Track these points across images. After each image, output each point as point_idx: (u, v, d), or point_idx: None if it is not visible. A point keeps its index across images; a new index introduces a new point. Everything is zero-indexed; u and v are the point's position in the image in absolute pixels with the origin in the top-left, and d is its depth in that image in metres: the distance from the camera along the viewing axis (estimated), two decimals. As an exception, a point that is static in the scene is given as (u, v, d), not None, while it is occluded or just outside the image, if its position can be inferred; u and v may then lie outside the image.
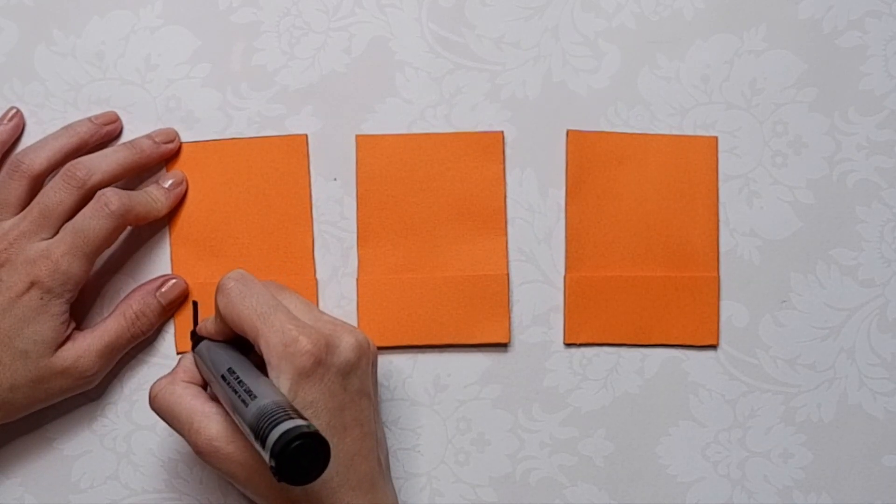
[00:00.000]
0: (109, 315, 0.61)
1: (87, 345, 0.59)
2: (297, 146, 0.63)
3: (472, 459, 0.62)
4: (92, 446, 0.62)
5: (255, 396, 0.51)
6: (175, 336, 0.62)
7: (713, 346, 0.62)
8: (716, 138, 0.63)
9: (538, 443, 0.62)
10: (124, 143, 0.61)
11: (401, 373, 0.62)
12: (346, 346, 0.54)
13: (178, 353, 0.62)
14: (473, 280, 0.62)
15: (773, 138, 0.63)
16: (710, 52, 0.63)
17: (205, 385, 0.58)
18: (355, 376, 0.55)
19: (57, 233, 0.58)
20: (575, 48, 0.63)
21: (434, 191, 0.63)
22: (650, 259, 0.62)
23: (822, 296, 0.63)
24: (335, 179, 0.63)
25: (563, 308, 0.62)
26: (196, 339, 0.59)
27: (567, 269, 0.62)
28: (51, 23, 0.63)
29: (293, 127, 0.63)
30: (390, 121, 0.63)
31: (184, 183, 0.62)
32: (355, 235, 0.63)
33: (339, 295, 0.63)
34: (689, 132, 0.63)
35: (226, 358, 0.56)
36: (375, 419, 0.56)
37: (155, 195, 0.61)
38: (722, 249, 0.63)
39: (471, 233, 0.62)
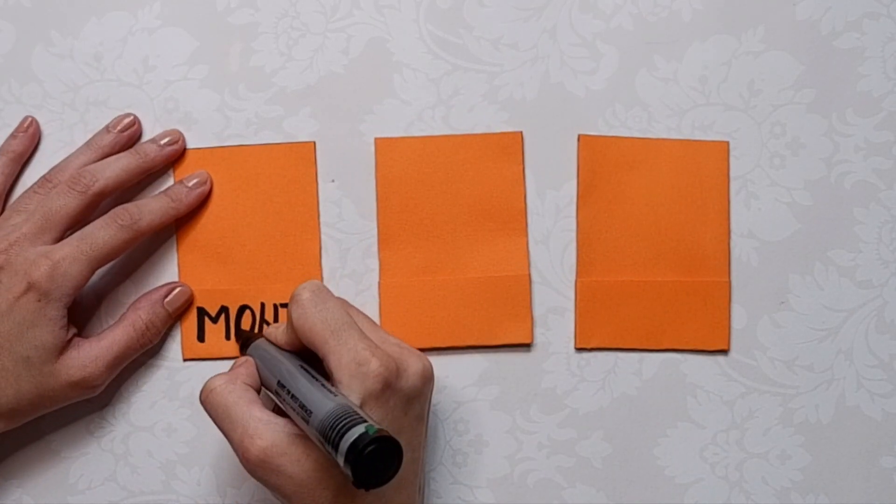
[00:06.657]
0: (116, 324, 0.60)
1: (94, 355, 0.58)
2: (304, 153, 0.62)
3: (470, 461, 0.62)
4: (89, 448, 0.62)
5: (333, 393, 0.50)
6: (181, 343, 0.62)
7: (724, 352, 0.62)
8: (727, 143, 0.62)
9: (536, 444, 0.62)
10: (130, 150, 0.61)
11: (399, 374, 0.62)
12: (413, 372, 0.54)
13: (185, 361, 0.62)
14: (495, 281, 0.62)
15: (770, 139, 0.63)
16: (708, 53, 0.63)
17: (259, 390, 0.56)
18: (417, 402, 0.54)
19: (61, 239, 0.58)
20: (573, 49, 0.63)
21: (454, 193, 0.62)
22: (661, 264, 0.62)
23: (820, 297, 0.63)
24: (333, 181, 0.63)
25: (574, 312, 0.62)
26: (243, 339, 0.59)
27: (578, 273, 0.62)
28: (48, 24, 0.63)
29: (291, 128, 0.63)
30: (388, 122, 0.63)
31: (208, 183, 0.62)
32: (354, 237, 0.62)
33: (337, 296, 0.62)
34: (688, 133, 0.63)
35: (286, 363, 0.55)
36: (424, 445, 0.56)
37: (176, 194, 0.61)
38: (720, 251, 0.63)
39: (492, 234, 0.62)
